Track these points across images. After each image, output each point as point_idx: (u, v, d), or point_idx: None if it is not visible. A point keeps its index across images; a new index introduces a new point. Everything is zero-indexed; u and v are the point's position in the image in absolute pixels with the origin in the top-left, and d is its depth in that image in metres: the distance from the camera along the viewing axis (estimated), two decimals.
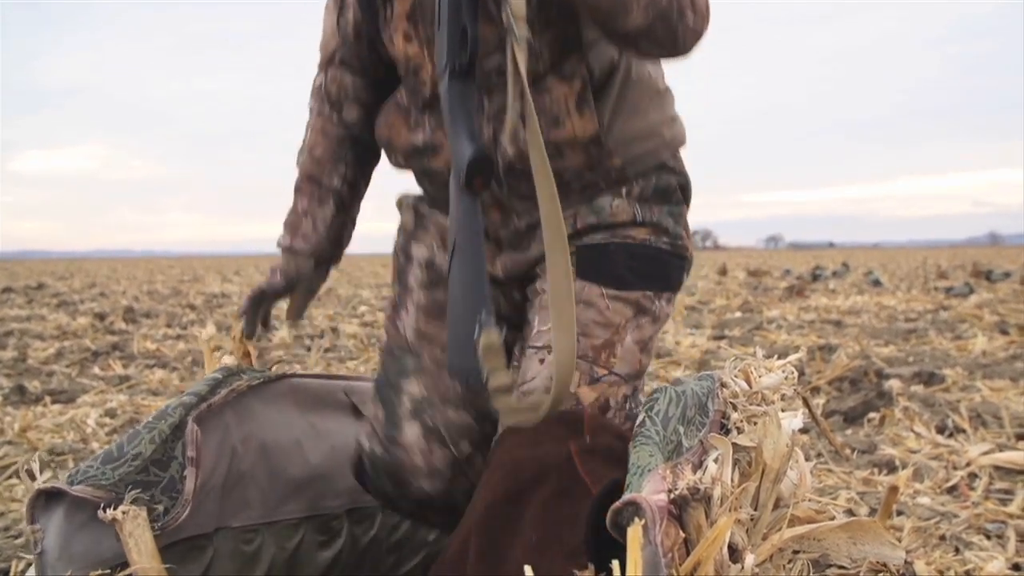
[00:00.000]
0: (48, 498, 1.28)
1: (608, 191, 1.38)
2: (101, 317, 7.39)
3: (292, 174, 1.57)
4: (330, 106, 1.52)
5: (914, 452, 2.62)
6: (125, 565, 1.22)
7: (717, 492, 1.08)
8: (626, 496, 1.03)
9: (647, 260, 1.37)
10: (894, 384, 3.58)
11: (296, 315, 1.59)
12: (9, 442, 2.85)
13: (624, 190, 1.38)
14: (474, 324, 1.13)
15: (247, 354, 1.55)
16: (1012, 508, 2.08)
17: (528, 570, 1.09)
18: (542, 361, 1.35)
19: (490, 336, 1.12)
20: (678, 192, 1.42)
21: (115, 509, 1.21)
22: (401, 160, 1.46)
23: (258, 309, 1.54)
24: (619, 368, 1.34)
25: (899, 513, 2.05)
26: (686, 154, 1.47)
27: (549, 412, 1.13)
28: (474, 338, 1.12)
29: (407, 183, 1.53)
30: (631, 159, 1.37)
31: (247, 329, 1.54)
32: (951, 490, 2.29)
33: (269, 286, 1.54)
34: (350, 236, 1.60)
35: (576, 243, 1.35)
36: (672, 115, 1.44)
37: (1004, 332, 5.57)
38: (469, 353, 1.13)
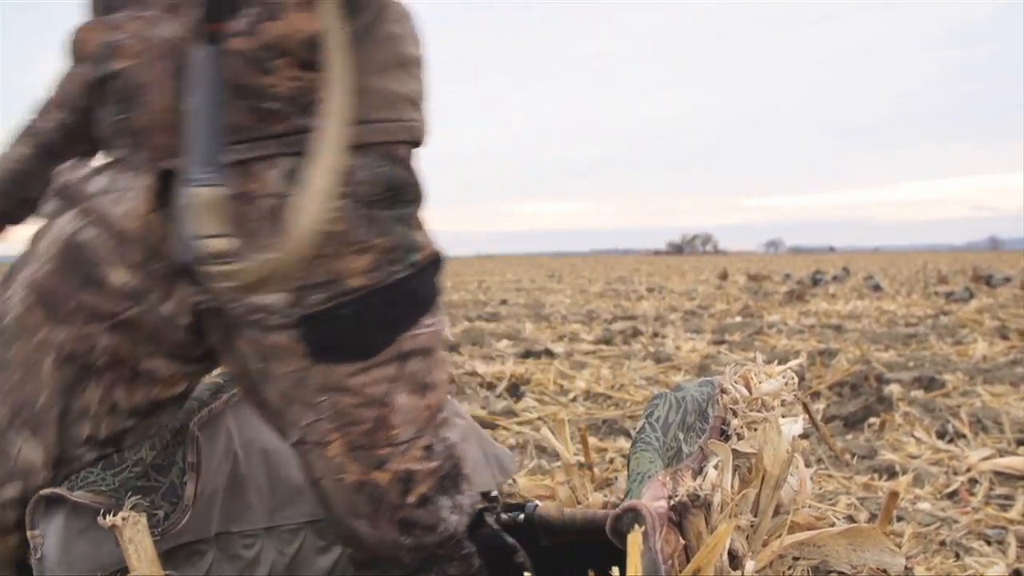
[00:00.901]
0: (48, 503, 1.28)
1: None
2: None
3: None
4: None
5: (914, 457, 2.62)
6: (125, 571, 1.22)
7: (717, 498, 1.09)
8: (626, 502, 1.03)
9: (388, 306, 1.13)
10: (894, 389, 3.59)
11: None
12: None
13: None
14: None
15: None
16: (1012, 514, 2.08)
17: (527, 575, 1.10)
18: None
19: (201, 194, 0.95)
20: (408, 190, 1.15)
21: (115, 515, 1.21)
22: (89, 68, 1.13)
23: None
24: (404, 434, 1.17)
25: (899, 519, 2.05)
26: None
27: (279, 269, 0.99)
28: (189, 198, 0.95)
29: None
30: (359, 119, 1.08)
31: None
32: (951, 495, 2.29)
33: None
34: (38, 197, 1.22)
35: (295, 309, 1.10)
36: (416, 101, 1.18)
37: (1004, 337, 5.57)
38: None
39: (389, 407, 1.15)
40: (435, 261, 1.19)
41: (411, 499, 1.19)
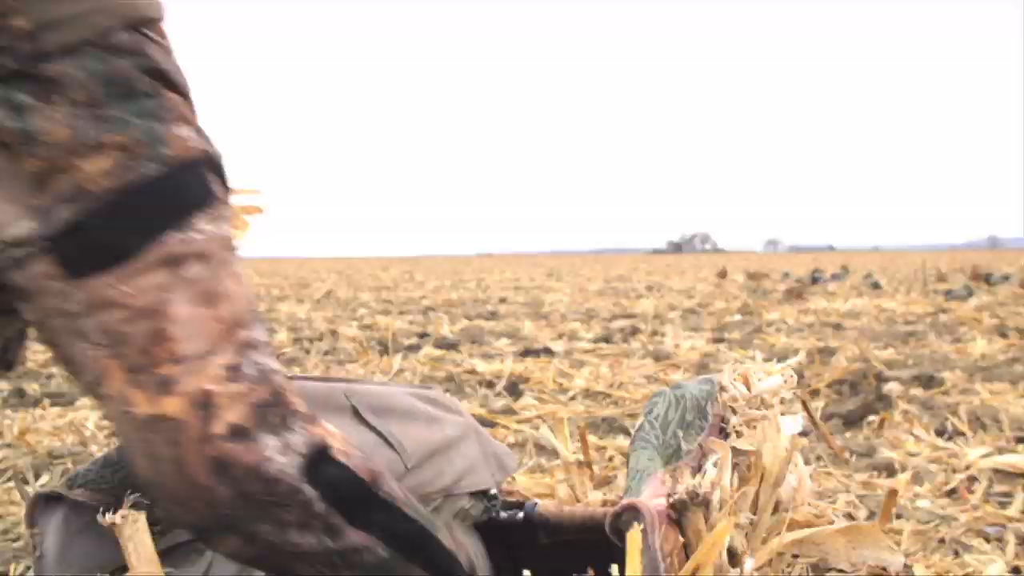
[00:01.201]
0: (47, 502, 1.28)
1: (22, 84, 0.98)
2: None
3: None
4: None
5: (913, 455, 2.62)
6: (124, 569, 1.22)
7: (716, 496, 1.09)
8: (625, 500, 1.03)
9: (140, 206, 1.02)
10: (893, 387, 3.59)
11: None
12: (8, 445, 2.85)
13: (49, 89, 0.98)
14: None
15: None
16: (1011, 511, 2.08)
17: (527, 573, 1.10)
18: None
19: None
20: (145, 79, 1.03)
21: (115, 513, 1.21)
22: None
23: None
24: (190, 348, 1.02)
25: (898, 516, 2.05)
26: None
27: None
28: None
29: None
30: (46, 23, 0.98)
31: None
32: (950, 493, 2.29)
33: None
34: None
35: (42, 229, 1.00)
36: None
37: (1003, 335, 5.59)
38: None
39: (165, 317, 1.03)
40: (204, 160, 1.07)
41: (217, 428, 1.03)
